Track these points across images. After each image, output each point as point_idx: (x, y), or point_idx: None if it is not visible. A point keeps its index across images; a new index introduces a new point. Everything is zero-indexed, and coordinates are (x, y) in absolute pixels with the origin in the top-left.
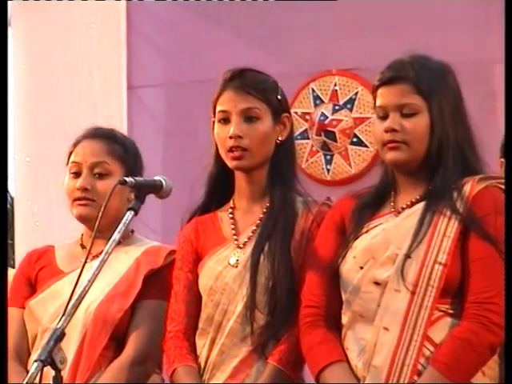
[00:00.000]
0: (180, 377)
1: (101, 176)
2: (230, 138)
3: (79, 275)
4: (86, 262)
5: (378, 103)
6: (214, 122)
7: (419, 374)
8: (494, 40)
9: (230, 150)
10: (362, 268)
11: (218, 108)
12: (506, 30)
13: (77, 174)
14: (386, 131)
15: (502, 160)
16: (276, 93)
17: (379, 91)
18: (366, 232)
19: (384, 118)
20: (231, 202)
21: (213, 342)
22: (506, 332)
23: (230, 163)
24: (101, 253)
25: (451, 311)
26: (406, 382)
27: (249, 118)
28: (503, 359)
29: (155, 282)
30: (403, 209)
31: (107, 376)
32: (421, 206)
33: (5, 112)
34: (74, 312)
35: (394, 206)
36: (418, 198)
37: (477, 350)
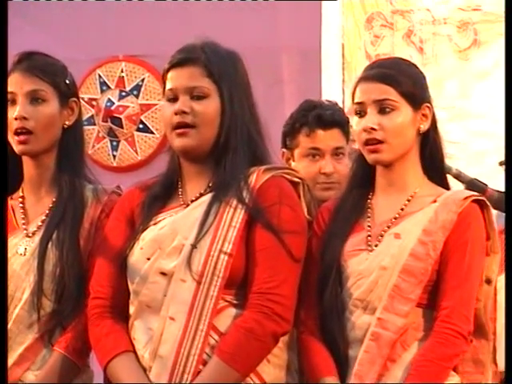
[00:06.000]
0: None
1: None
2: (16, 119)
3: None
4: None
5: (168, 86)
6: None
7: (205, 363)
8: (281, 28)
9: (16, 133)
10: (149, 259)
11: None
12: (506, 29)
13: None
14: (176, 113)
15: (284, 150)
16: (64, 77)
17: (169, 74)
18: (155, 224)
19: (174, 101)
20: (21, 190)
21: None
22: (506, 330)
23: (16, 147)
24: None
25: (235, 302)
26: (191, 371)
27: (35, 99)
28: (293, 349)
29: None
30: (192, 201)
31: None
32: (208, 197)
33: (4, 112)
34: None
35: (183, 199)
36: (206, 189)
37: (260, 340)
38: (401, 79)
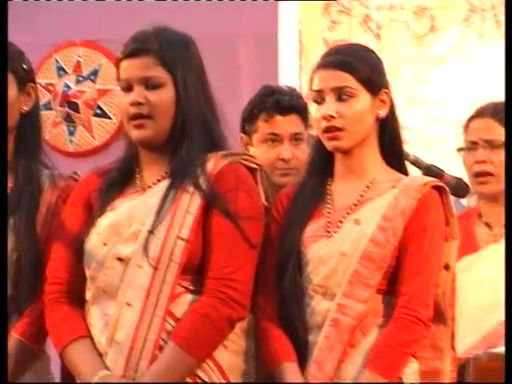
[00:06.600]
0: None
1: None
2: None
3: None
4: None
5: (121, 76)
6: None
7: (161, 348)
8: (238, 14)
9: None
10: (105, 244)
11: None
12: (506, 26)
13: None
14: (131, 104)
15: (242, 135)
16: (21, 62)
17: (122, 64)
18: (111, 209)
19: (128, 90)
20: None
21: None
22: (506, 330)
23: None
24: None
25: (192, 288)
26: (147, 357)
27: None
28: (251, 335)
29: None
30: (149, 187)
31: None
32: (165, 183)
33: (4, 111)
34: None
35: (140, 185)
36: (163, 175)
37: (216, 325)
38: (358, 66)
